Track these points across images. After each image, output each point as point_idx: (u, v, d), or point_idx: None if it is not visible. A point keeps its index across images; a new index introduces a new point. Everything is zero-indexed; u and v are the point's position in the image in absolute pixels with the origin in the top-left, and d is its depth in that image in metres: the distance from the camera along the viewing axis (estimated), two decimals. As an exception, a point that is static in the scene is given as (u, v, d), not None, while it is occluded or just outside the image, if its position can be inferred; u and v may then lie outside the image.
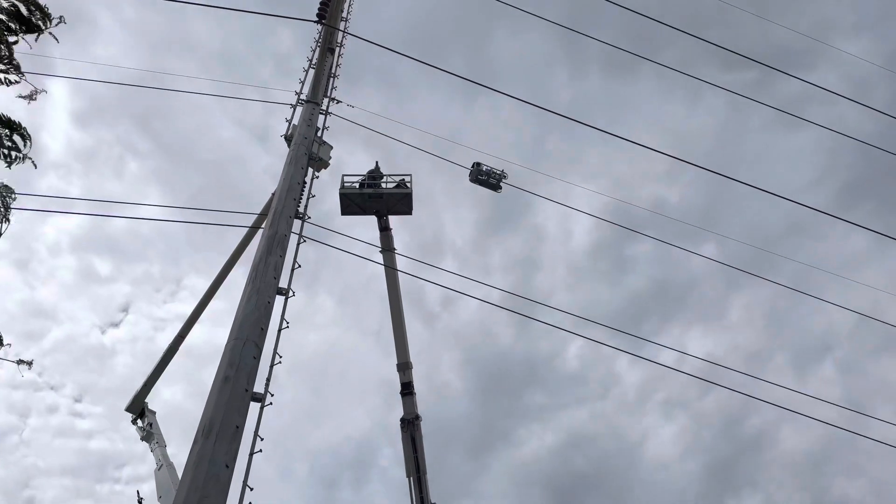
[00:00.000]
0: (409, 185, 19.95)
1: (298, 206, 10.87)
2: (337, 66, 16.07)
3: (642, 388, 55.76)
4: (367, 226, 21.18)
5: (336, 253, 10.94)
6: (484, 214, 56.96)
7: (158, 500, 18.66)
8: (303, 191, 11.34)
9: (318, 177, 12.30)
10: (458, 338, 56.13)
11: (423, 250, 50.23)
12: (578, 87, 63.53)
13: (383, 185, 20.15)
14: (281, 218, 10.08)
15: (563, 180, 22.16)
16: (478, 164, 20.38)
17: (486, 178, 20.35)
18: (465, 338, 56.05)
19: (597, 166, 60.15)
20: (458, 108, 61.61)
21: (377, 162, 20.80)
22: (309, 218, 10.89)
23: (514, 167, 20.80)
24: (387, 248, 20.74)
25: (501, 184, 20.29)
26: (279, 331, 8.95)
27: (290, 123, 13.79)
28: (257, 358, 7.86)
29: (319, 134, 13.50)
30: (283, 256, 9.48)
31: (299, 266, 9.94)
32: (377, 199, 19.93)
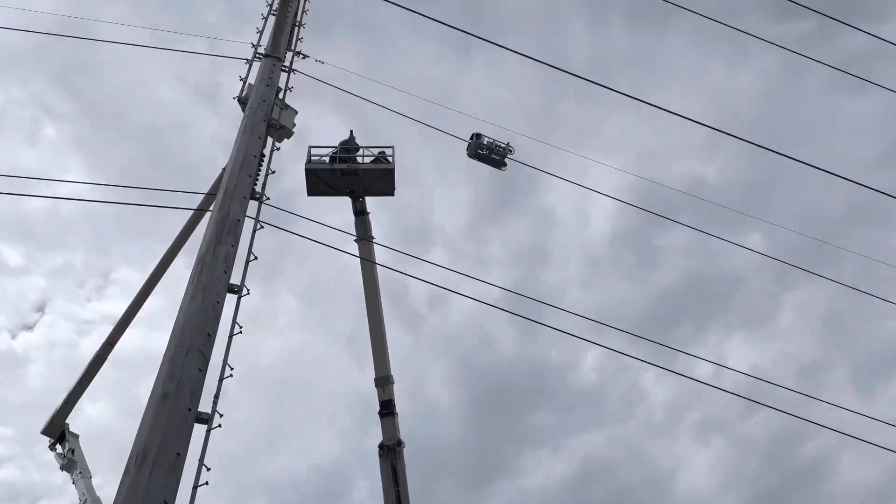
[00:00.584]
0: (390, 159, 19.93)
1: (255, 185, 10.86)
2: (303, 12, 15.99)
3: (673, 408, 56.09)
4: (339, 208, 21.18)
5: (300, 242, 10.93)
6: (482, 195, 56.90)
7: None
8: (260, 165, 11.36)
9: (278, 148, 12.28)
10: (448, 345, 56.23)
11: (406, 238, 50.23)
12: (598, 41, 63.48)
13: (359, 160, 20.12)
14: (233, 198, 10.08)
15: (578, 155, 22.20)
16: (478, 136, 20.44)
17: (487, 152, 20.41)
18: (457, 345, 56.18)
19: (620, 137, 60.19)
20: (452, 65, 61.53)
21: (352, 131, 20.74)
22: (267, 199, 10.90)
23: (520, 138, 20.85)
24: (363, 236, 20.74)
25: (506, 159, 20.35)
26: (230, 336, 8.95)
27: (244, 83, 13.74)
28: (203, 370, 7.87)
29: (281, 96, 13.49)
30: (235, 246, 9.51)
31: (255, 258, 9.97)
32: (352, 176, 19.92)
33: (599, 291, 58.90)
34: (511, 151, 20.46)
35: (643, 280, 58.52)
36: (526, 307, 13.03)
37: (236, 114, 13.02)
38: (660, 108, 12.21)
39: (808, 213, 53.62)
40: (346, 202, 20.95)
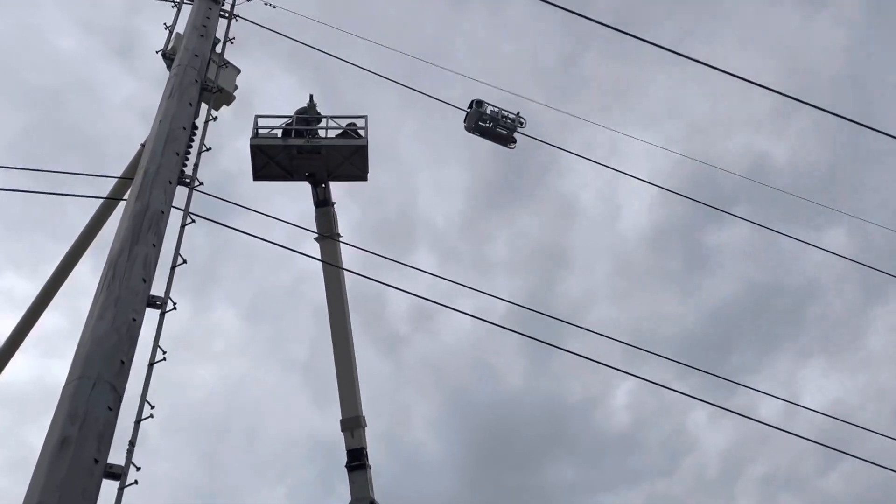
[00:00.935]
0: (362, 133, 19.97)
1: (184, 166, 10.88)
2: (248, -60, 15.97)
3: (731, 458, 56.24)
4: (294, 197, 21.16)
5: (244, 241, 10.93)
6: (481, 179, 56.84)
7: None
8: (191, 141, 11.41)
9: (215, 118, 12.30)
10: (438, 375, 56.30)
11: (383, 236, 50.14)
12: None
13: (322, 134, 20.15)
14: (155, 184, 10.09)
15: (607, 128, 22.27)
16: (479, 104, 20.48)
17: (491, 124, 20.48)
18: (450, 375, 56.24)
19: (662, 104, 60.33)
20: (443, 9, 61.46)
21: (312, 96, 20.88)
22: (200, 184, 10.92)
23: (532, 106, 20.89)
24: (326, 233, 20.79)
25: (515, 134, 20.41)
26: (150, 365, 8.94)
27: (171, 32, 13.75)
28: (115, 409, 7.84)
29: (219, 49, 13.52)
30: (157, 246, 9.51)
31: (184, 262, 9.99)
32: (312, 155, 19.97)
33: (635, 306, 59.08)
34: (522, 123, 20.52)
35: (692, 291, 58.78)
36: (539, 326, 13.08)
37: (158, 72, 13.02)
38: (713, 66, 12.23)
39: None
40: (304, 189, 21.01)
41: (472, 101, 20.61)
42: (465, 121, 20.72)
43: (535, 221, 59.31)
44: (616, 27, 12.20)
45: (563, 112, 20.94)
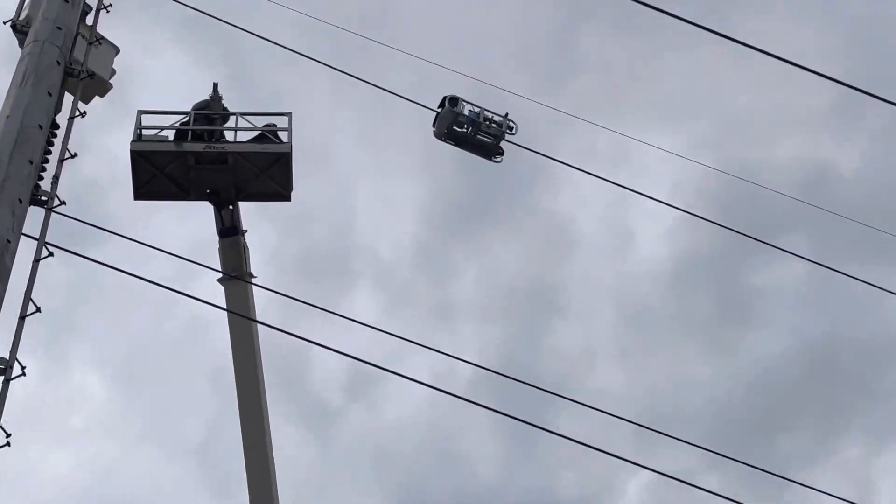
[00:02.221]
0: (284, 136, 19.94)
1: (40, 179, 10.87)
2: None
3: (777, 575, 56.38)
4: (189, 217, 20.91)
5: (116, 276, 10.81)
6: (443, 194, 56.64)
7: None
8: (51, 145, 11.38)
9: (83, 113, 12.27)
10: (380, 462, 55.93)
11: (308, 269, 49.80)
12: None
13: (229, 137, 20.09)
14: (-1, 202, 9.91)
15: (609, 129, 22.39)
16: (453, 102, 20.30)
17: (470, 130, 20.35)
18: (396, 463, 55.94)
19: (688, 96, 60.62)
20: None
21: (216, 85, 20.82)
22: (61, 203, 10.95)
23: (516, 102, 20.92)
24: (234, 272, 20.67)
25: (503, 143, 20.35)
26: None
27: (22, -2, 13.61)
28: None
29: (90, 21, 13.45)
30: (1, 287, 9.41)
31: (38, 309, 10.00)
32: (216, 165, 19.87)
33: (651, 368, 59.02)
34: (511, 129, 20.43)
35: (729, 349, 58.87)
36: (522, 397, 13.03)
37: (8, 50, 12.87)
38: (753, 47, 12.32)
39: None
40: (203, 211, 20.92)
41: (445, 98, 20.22)
42: (434, 125, 20.49)
43: (517, 251, 59.19)
44: (620, 12, 12.27)
45: (555, 109, 21.00)
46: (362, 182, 55.37)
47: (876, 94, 12.08)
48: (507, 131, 20.47)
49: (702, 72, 58.61)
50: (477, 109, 20.39)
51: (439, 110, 20.32)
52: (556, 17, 56.69)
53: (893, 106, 12.22)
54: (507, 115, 20.53)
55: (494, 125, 20.46)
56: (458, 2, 59.24)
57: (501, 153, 20.58)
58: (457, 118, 20.29)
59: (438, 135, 20.52)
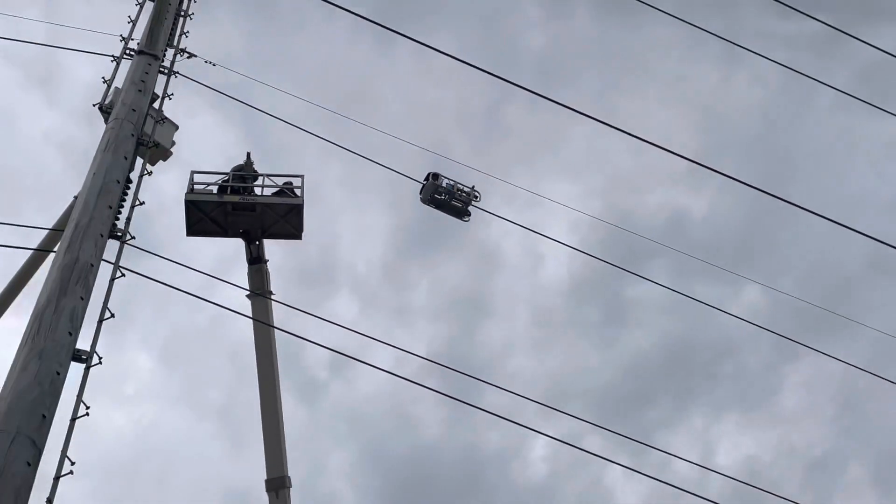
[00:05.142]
0: (298, 192, 20.02)
1: (116, 220, 10.81)
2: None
3: (645, 511, 56.44)
4: (225, 250, 20.94)
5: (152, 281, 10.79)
6: (403, 223, 56.62)
7: None
8: (125, 195, 11.34)
9: (150, 172, 12.29)
10: (355, 423, 55.49)
11: (302, 280, 49.33)
12: (558, 29, 64.15)
13: (257, 191, 20.17)
14: (86, 237, 10.01)
15: (528, 190, 22.50)
16: (434, 177, 20.52)
17: (447, 197, 20.53)
18: (366, 423, 55.50)
19: (584, 153, 60.67)
20: (371, 54, 61.19)
21: (249, 154, 20.91)
22: (132, 238, 10.88)
23: (456, 155, 21.08)
24: (258, 290, 20.66)
25: (471, 207, 20.53)
26: (73, 420, 8.77)
27: (109, 86, 13.73)
28: (34, 464, 7.67)
29: (157, 105, 13.49)
30: (85, 299, 9.40)
31: (112, 315, 9.91)
32: (247, 212, 19.92)
33: (554, 357, 59.29)
34: (477, 197, 20.65)
35: (610, 343, 59.25)
36: (457, 378, 13.16)
37: (81, 110, 12.94)
38: (627, 133, 12.68)
39: (820, 262, 55.00)
40: (236, 246, 20.97)
41: (429, 174, 20.59)
42: (420, 193, 20.72)
43: (457, 269, 59.45)
44: (534, 91, 12.64)
45: (479, 173, 21.14)
46: (342, 210, 55.62)
47: (713, 168, 12.57)
48: (474, 199, 20.74)
49: (595, 138, 59.24)
50: (451, 182, 20.68)
51: (425, 182, 20.62)
52: (488, 94, 57.57)
53: (732, 165, 12.60)
54: (473, 187, 20.81)
55: (464, 194, 20.72)
56: (414, 82, 60.01)
57: (469, 215, 20.83)
58: (437, 188, 20.56)
59: (424, 200, 20.74)
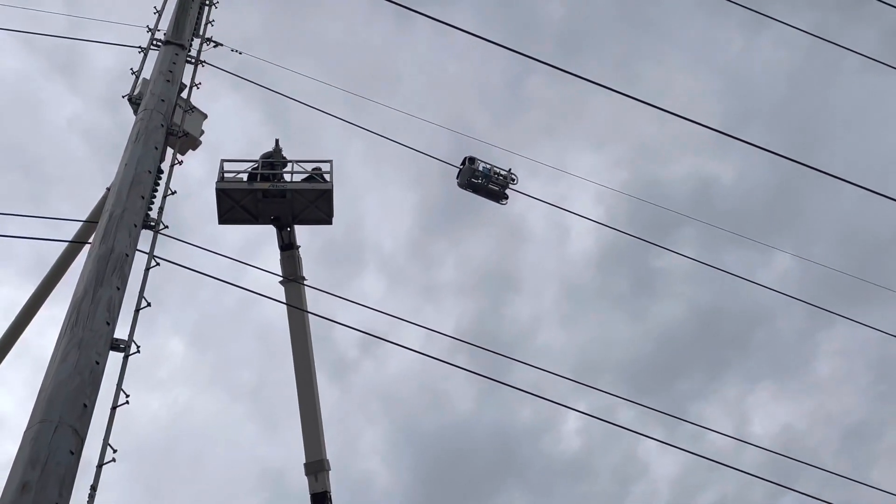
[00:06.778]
0: (327, 177, 19.98)
1: (149, 210, 10.86)
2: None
3: (682, 484, 55.92)
4: (258, 239, 20.98)
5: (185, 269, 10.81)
6: (428, 201, 56.22)
7: None
8: (157, 185, 11.38)
9: (180, 162, 12.31)
10: (387, 401, 55.62)
11: (329, 260, 49.16)
12: (576, 2, 63.80)
13: (287, 178, 20.15)
14: (119, 227, 10.05)
15: (554, 168, 22.33)
16: (471, 161, 20.36)
17: (483, 181, 20.36)
18: (398, 401, 55.58)
19: (608, 124, 59.79)
20: (389, 32, 60.98)
21: (277, 140, 20.82)
22: (165, 227, 10.91)
23: (476, 133, 20.93)
24: (291, 276, 20.69)
25: (508, 190, 20.35)
26: (113, 408, 8.83)
27: (137, 77, 13.75)
28: (77, 453, 7.73)
29: (185, 95, 13.52)
30: (122, 288, 9.45)
31: (148, 304, 9.98)
32: (277, 198, 19.90)
33: (583, 330, 58.84)
34: (514, 180, 20.45)
35: (641, 314, 58.63)
36: (486, 354, 13.09)
37: (104, 97, 13.01)
38: (649, 104, 12.48)
39: (851, 229, 54.17)
40: (268, 232, 20.94)
41: (465, 158, 20.42)
42: (457, 177, 20.56)
43: (485, 244, 58.93)
44: (553, 65, 12.48)
45: (502, 149, 20.94)
46: (367, 190, 55.43)
47: (734, 136, 12.38)
48: (511, 182, 20.54)
49: (619, 108, 58.48)
50: (488, 166, 20.48)
51: (461, 167, 20.46)
52: (508, 68, 57.08)
53: (760, 130, 12.41)
54: (510, 170, 20.57)
55: (501, 177, 20.53)
56: (434, 57, 59.59)
57: (506, 198, 20.64)
58: (474, 172, 20.39)
59: (461, 185, 20.57)
